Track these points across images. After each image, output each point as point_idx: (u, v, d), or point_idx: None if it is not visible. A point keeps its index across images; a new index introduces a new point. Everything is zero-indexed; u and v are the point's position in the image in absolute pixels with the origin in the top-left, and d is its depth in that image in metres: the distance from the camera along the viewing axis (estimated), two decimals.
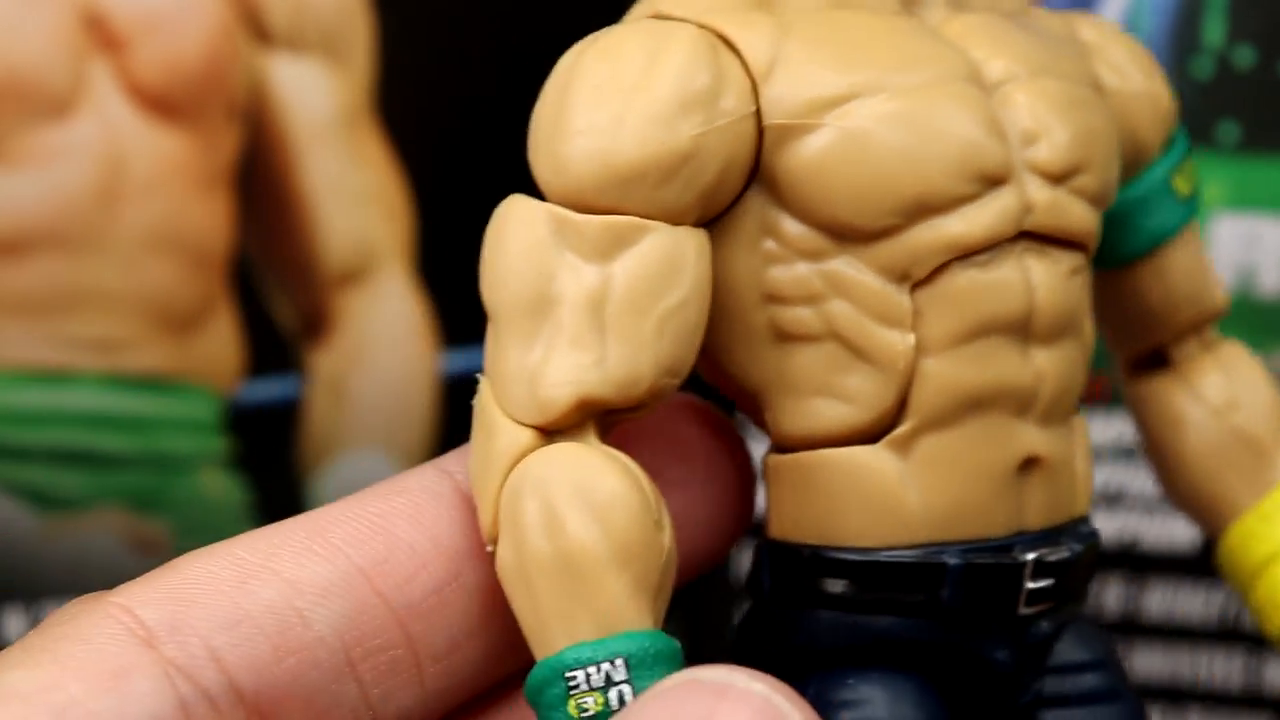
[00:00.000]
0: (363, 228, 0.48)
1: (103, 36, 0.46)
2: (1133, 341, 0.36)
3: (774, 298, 0.31)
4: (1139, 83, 0.34)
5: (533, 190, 0.31)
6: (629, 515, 0.29)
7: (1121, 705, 0.33)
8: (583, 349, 0.29)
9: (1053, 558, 0.31)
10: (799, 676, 0.31)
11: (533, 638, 0.29)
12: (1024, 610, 0.31)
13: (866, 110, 0.30)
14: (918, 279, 0.30)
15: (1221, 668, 0.48)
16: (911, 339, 0.30)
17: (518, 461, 0.29)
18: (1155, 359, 0.36)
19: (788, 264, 0.30)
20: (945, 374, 0.30)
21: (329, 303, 0.49)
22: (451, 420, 0.49)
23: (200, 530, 0.48)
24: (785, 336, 0.31)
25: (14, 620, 0.47)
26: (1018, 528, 0.31)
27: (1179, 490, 0.36)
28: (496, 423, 0.30)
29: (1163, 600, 0.48)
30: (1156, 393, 0.36)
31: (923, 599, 0.31)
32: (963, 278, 0.30)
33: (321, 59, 0.48)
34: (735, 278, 0.31)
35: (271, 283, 0.48)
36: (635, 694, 0.28)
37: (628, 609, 0.28)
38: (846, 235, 0.30)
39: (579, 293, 0.29)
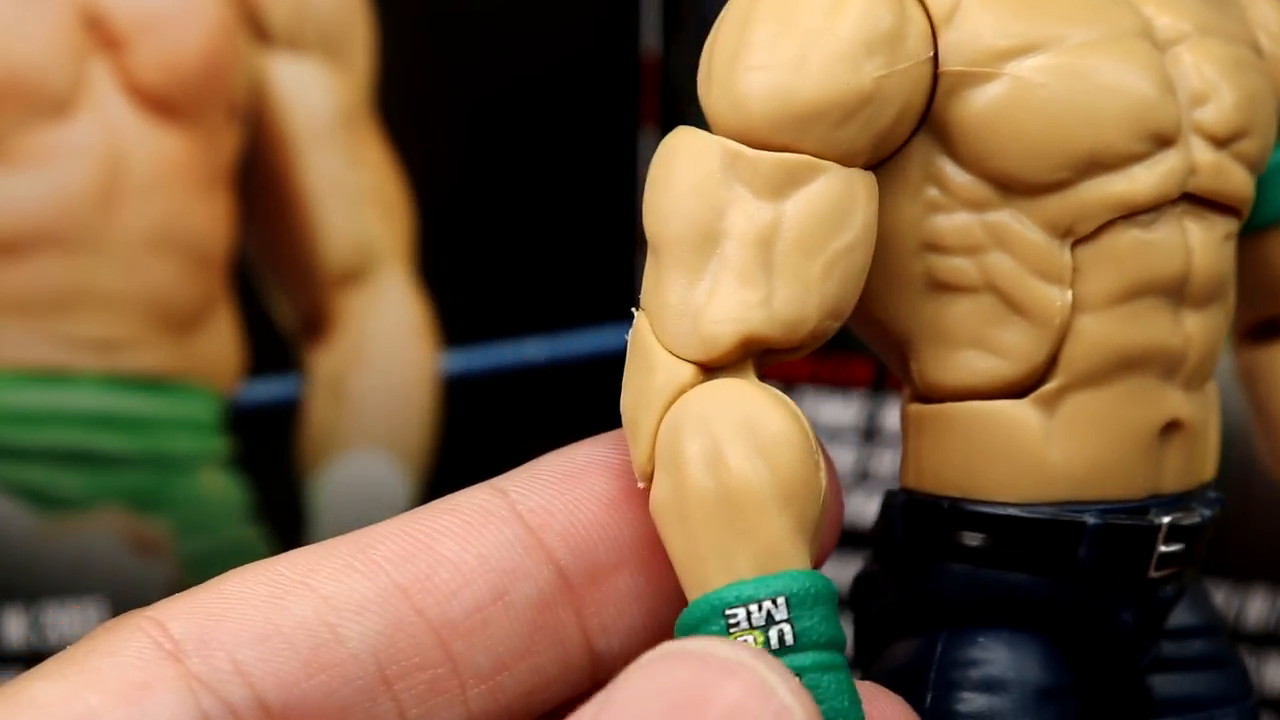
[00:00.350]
0: (362, 228, 0.48)
1: (102, 36, 0.46)
2: (1250, 309, 0.35)
3: (933, 246, 0.31)
4: None
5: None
6: (794, 453, 0.28)
7: (1230, 671, 0.33)
8: (750, 286, 0.29)
9: (1185, 522, 0.31)
10: (926, 628, 0.31)
11: (687, 575, 0.29)
12: (1154, 574, 0.31)
13: (1043, 63, 0.30)
14: (1081, 235, 0.30)
15: None
16: (1069, 295, 0.30)
17: (677, 397, 0.29)
18: (1270, 328, 0.35)
19: (949, 213, 0.30)
20: (1099, 332, 0.30)
21: (329, 303, 0.49)
22: (451, 420, 0.49)
23: (200, 530, 0.48)
24: (941, 286, 0.31)
25: (14, 620, 0.47)
26: (1153, 490, 0.31)
27: None
28: (655, 357, 0.29)
29: None
30: (1267, 361, 0.35)
31: (1059, 557, 0.30)
32: (1125, 237, 0.30)
33: (321, 59, 0.48)
34: (895, 224, 0.31)
35: (271, 283, 0.48)
36: (795, 634, 0.28)
37: (789, 548, 0.28)
38: (1013, 187, 0.30)
39: (749, 229, 0.29)
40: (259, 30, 0.47)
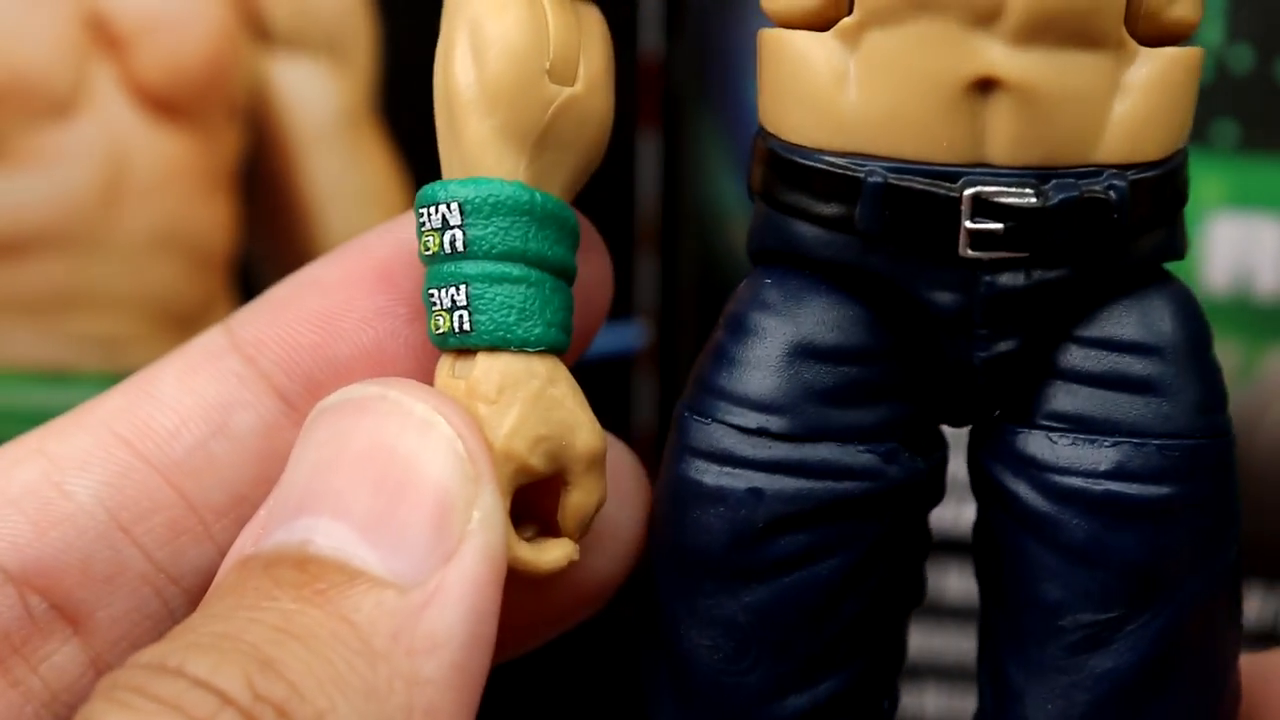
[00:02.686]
0: (364, 228, 0.48)
1: (105, 37, 0.46)
2: None
3: None
4: None
5: None
6: (507, 58, 0.28)
7: (1157, 401, 0.29)
8: None
9: (1005, 199, 0.28)
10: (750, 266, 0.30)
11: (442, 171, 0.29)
12: (969, 253, 0.28)
13: None
14: None
15: None
16: None
17: None
18: None
19: None
20: None
21: None
22: None
23: None
24: None
25: None
26: (975, 158, 0.28)
27: None
28: None
29: None
30: None
31: (837, 213, 0.29)
32: None
33: (323, 59, 0.48)
34: None
35: (273, 283, 0.48)
36: (465, 241, 0.28)
37: (486, 154, 0.28)
38: None
39: None
40: (261, 31, 0.47)
